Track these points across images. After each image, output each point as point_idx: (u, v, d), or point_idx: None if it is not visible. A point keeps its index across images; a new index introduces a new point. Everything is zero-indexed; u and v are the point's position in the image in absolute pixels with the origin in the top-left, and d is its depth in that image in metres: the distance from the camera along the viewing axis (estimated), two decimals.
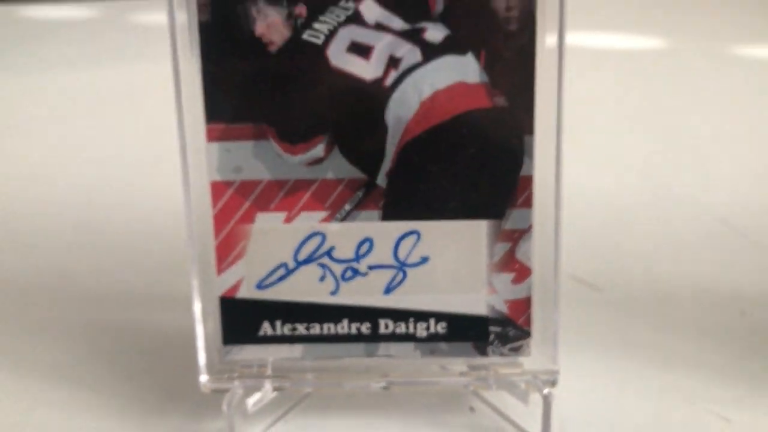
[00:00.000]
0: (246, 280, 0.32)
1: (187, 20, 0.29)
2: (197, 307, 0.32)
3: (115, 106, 0.68)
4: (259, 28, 0.29)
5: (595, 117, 0.61)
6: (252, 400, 0.33)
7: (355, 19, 0.29)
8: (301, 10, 0.29)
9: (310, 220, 0.31)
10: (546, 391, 0.32)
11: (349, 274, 0.32)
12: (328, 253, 0.31)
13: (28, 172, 0.58)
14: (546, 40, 0.29)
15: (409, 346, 0.32)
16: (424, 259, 0.31)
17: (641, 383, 0.35)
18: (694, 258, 0.43)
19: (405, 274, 0.32)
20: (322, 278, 0.32)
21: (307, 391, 0.34)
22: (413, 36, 0.30)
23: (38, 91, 0.73)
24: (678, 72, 0.69)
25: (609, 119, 0.61)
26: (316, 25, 0.29)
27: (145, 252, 0.46)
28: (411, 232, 0.31)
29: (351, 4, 0.29)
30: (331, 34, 0.30)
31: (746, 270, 0.42)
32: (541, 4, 0.29)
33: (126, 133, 0.63)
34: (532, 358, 0.32)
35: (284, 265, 0.32)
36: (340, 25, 0.29)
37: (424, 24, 0.29)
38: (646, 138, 0.57)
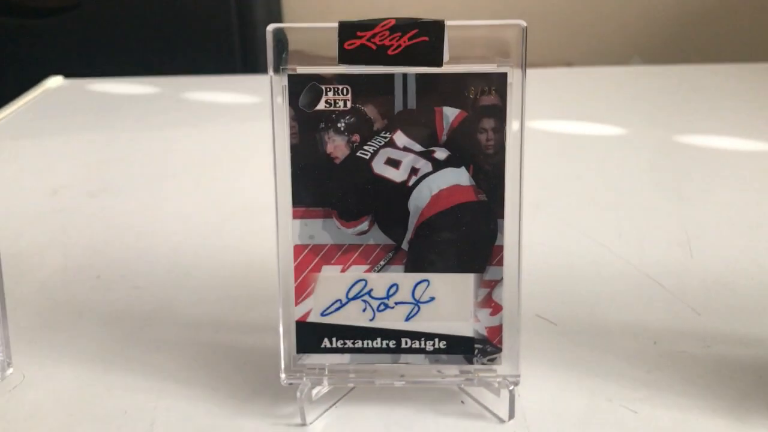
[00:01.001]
0: (314, 310, 0.48)
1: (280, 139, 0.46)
2: (282, 328, 0.48)
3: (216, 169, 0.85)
4: (329, 148, 0.46)
5: (562, 192, 0.78)
6: (315, 392, 0.49)
7: (390, 144, 0.46)
8: (356, 137, 0.46)
9: (358, 271, 0.47)
10: (511, 388, 0.48)
11: (382, 307, 0.48)
12: (369, 293, 0.48)
13: (142, 226, 0.74)
14: (513, 157, 0.46)
15: (421, 357, 0.48)
16: (432, 298, 0.48)
17: (578, 387, 0.51)
18: (624, 302, 0.59)
19: (419, 308, 0.48)
20: (364, 310, 0.48)
21: (351, 386, 0.50)
22: (427, 155, 0.46)
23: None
24: (629, 155, 0.86)
25: (573, 194, 0.77)
26: (365, 147, 0.46)
27: (218, 290, 0.62)
28: (423, 280, 0.47)
29: (387, 135, 0.46)
30: (374, 153, 0.46)
31: (660, 311, 0.58)
32: (510, 138, 0.46)
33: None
34: (503, 366, 0.48)
35: (339, 300, 0.48)
36: (381, 147, 0.46)
37: (434, 148, 0.46)
38: (600, 210, 0.74)
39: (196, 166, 0.89)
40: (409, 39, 0.44)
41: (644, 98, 1.05)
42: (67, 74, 1.15)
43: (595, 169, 0.84)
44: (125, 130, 1.00)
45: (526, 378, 0.51)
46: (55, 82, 1.13)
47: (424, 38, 0.44)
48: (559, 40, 1.50)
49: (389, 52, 0.44)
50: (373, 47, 0.44)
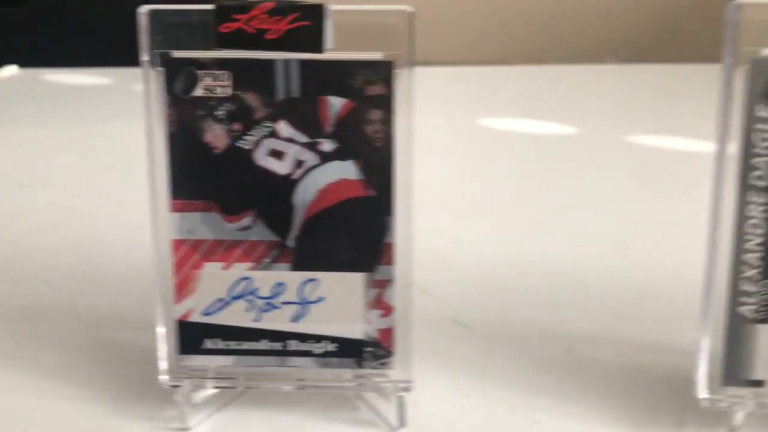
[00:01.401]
0: (195, 309, 0.45)
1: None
2: (160, 327, 0.46)
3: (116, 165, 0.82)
4: (208, 138, 0.44)
5: (503, 192, 0.75)
6: (199, 395, 0.47)
7: (273, 134, 0.44)
8: (237, 126, 0.43)
9: (241, 269, 0.45)
10: (401, 394, 0.45)
11: (267, 307, 0.45)
12: (253, 292, 0.45)
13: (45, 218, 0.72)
14: (403, 151, 0.43)
15: (309, 360, 0.46)
16: (320, 299, 0.45)
17: (480, 394, 0.48)
18: (545, 306, 0.57)
19: (307, 309, 0.45)
20: (248, 309, 0.45)
21: (240, 390, 0.48)
22: (312, 147, 0.44)
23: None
24: (581, 155, 0.83)
25: (515, 194, 0.75)
26: (246, 137, 0.43)
27: (124, 286, 0.60)
28: (311, 279, 0.45)
29: (270, 125, 0.43)
30: (256, 143, 0.44)
31: (581, 317, 0.55)
32: (400, 131, 0.43)
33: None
34: (395, 371, 0.46)
35: (221, 299, 0.45)
36: (263, 137, 0.44)
37: (319, 139, 0.43)
38: (538, 210, 0.71)
39: (136, 158, 0.86)
40: (289, 23, 0.42)
41: (608, 97, 1.02)
42: (23, 64, 1.12)
43: (542, 168, 0.81)
44: (75, 121, 0.98)
45: (429, 383, 0.49)
46: (9, 71, 1.11)
47: (305, 23, 0.42)
48: (531, 37, 1.47)
49: (267, 36, 0.42)
50: (251, 31, 0.42)
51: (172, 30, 0.43)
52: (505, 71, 1.12)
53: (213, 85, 0.43)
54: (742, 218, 0.41)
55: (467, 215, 0.70)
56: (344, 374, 0.46)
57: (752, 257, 0.42)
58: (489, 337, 0.54)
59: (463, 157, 0.82)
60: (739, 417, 0.43)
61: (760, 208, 0.41)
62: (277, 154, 0.44)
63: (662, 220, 0.69)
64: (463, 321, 0.55)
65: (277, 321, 0.45)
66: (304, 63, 0.43)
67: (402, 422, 0.46)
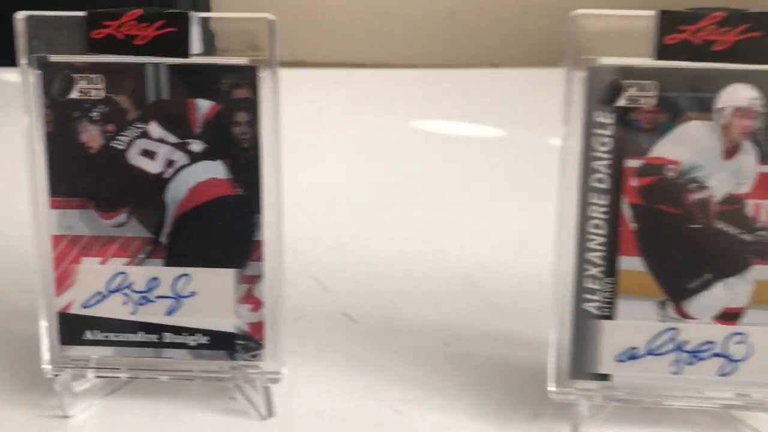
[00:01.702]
0: (75, 301, 0.47)
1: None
2: (42, 319, 0.48)
3: None
4: (84, 138, 0.46)
5: (418, 193, 0.77)
6: (80, 384, 0.49)
7: (145, 135, 0.46)
8: (111, 127, 0.45)
9: (117, 264, 0.47)
10: (269, 385, 0.47)
11: (143, 301, 0.47)
12: (129, 286, 0.47)
13: None
14: (270, 152, 0.45)
15: (183, 352, 0.48)
16: (193, 293, 0.47)
17: (354, 386, 0.50)
18: (434, 302, 0.59)
19: (180, 303, 0.47)
20: (125, 303, 0.47)
21: (123, 380, 0.50)
22: (182, 147, 0.46)
23: None
24: (504, 157, 0.85)
25: (429, 195, 0.77)
26: (119, 138, 0.46)
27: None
28: (184, 275, 0.47)
29: (142, 126, 0.45)
30: (129, 143, 0.46)
31: (467, 313, 0.58)
32: (266, 132, 0.45)
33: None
34: (266, 363, 0.48)
35: (100, 292, 0.47)
36: (135, 138, 0.46)
37: (189, 140, 0.46)
38: (447, 210, 0.73)
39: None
40: (156, 29, 0.44)
41: (550, 101, 1.04)
42: None
43: (462, 170, 0.83)
44: None
45: (308, 375, 0.51)
46: None
47: (172, 29, 0.44)
48: (487, 41, 1.49)
49: (136, 42, 0.44)
50: (121, 37, 0.44)
51: (48, 35, 0.45)
52: (455, 74, 1.15)
53: (87, 87, 0.45)
54: (584, 219, 0.44)
55: (377, 215, 0.72)
56: (218, 366, 0.48)
57: (595, 256, 0.44)
58: (374, 332, 0.56)
59: (385, 159, 0.84)
60: (585, 409, 0.45)
61: (601, 210, 0.43)
62: (149, 154, 0.46)
63: None
64: (352, 316, 0.57)
65: (153, 314, 0.47)
66: (172, 67, 0.45)
67: (270, 412, 0.48)
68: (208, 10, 1.96)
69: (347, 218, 0.71)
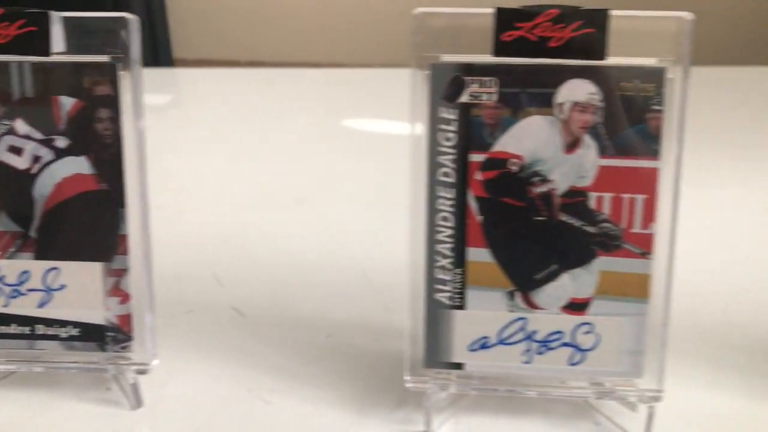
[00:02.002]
0: None
1: None
2: None
3: None
4: None
5: (334, 189, 0.78)
6: None
7: (11, 131, 0.47)
8: None
9: None
10: (133, 377, 0.48)
11: (14, 294, 0.48)
12: (1, 280, 0.48)
13: None
14: (133, 148, 0.46)
15: (55, 344, 0.49)
16: (63, 286, 0.48)
17: (228, 377, 0.51)
18: (325, 296, 0.60)
19: (51, 296, 0.48)
20: None
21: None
22: (48, 143, 0.47)
23: None
24: None
25: (346, 192, 0.78)
26: None
27: None
28: (53, 268, 0.48)
29: (8, 122, 0.47)
30: None
31: (354, 306, 0.59)
32: (128, 129, 0.46)
33: None
34: (136, 354, 0.49)
35: None
36: (2, 134, 0.47)
37: (54, 136, 0.47)
38: (357, 207, 0.74)
39: None
40: (18, 28, 0.45)
41: None
42: None
43: (384, 168, 0.84)
44: None
45: (185, 367, 0.52)
46: None
47: (33, 28, 0.45)
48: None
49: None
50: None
51: None
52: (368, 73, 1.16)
53: None
54: (433, 212, 0.45)
55: (289, 211, 0.73)
56: (90, 357, 0.49)
57: (444, 248, 0.45)
58: (260, 325, 0.57)
59: (311, 156, 0.86)
60: (440, 397, 0.46)
61: (448, 203, 0.44)
62: (16, 150, 0.47)
63: None
64: (242, 310, 0.58)
65: (25, 307, 0.49)
66: (35, 65, 0.46)
67: (138, 403, 0.49)
68: (162, 10, 1.99)
69: (259, 214, 0.73)
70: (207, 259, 0.64)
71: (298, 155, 0.86)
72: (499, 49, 0.42)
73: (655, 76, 0.42)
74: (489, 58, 0.43)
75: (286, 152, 0.87)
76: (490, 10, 0.42)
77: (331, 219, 0.72)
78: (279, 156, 0.86)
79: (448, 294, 0.46)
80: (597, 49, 0.42)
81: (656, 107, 0.43)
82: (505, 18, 0.42)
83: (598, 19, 0.42)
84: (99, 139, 0.47)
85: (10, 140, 0.47)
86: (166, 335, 0.54)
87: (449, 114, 0.44)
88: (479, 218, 0.45)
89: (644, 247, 0.44)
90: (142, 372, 0.49)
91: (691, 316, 0.57)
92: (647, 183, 0.43)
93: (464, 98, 0.43)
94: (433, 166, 0.44)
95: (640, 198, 0.44)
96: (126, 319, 0.48)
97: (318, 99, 0.99)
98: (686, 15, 0.42)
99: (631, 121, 0.43)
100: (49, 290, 0.48)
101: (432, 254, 0.45)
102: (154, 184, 0.48)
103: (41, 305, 0.49)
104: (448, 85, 0.43)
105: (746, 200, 0.79)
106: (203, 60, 2.30)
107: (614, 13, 0.42)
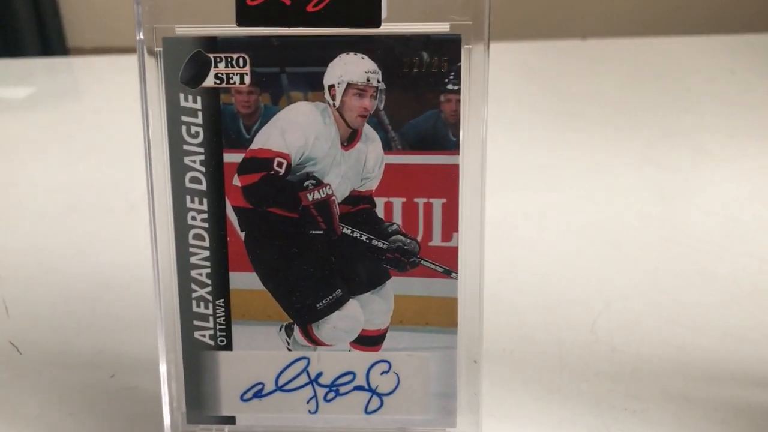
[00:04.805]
0: None
1: None
2: None
3: None
4: None
5: None
6: None
7: None
8: None
9: None
10: None
11: None
12: None
13: None
14: None
15: None
16: None
17: None
18: (115, 327, 0.50)
19: None
20: None
21: None
22: None
23: None
24: None
25: None
26: None
27: None
28: None
29: None
30: None
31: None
32: None
33: None
34: None
35: None
36: None
37: None
38: None
39: None
40: None
41: None
42: None
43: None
44: None
45: None
46: None
47: None
48: None
49: None
50: None
51: None
52: None
53: None
54: (183, 228, 0.35)
55: (119, 218, 0.63)
56: None
57: (200, 274, 0.35)
58: (37, 363, 0.47)
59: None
60: None
61: (201, 216, 0.35)
62: None
63: None
64: (19, 345, 0.48)
65: None
66: None
67: None
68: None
69: (82, 223, 0.62)
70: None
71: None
72: (244, 15, 0.33)
73: (448, 46, 0.33)
74: (237, 30, 0.33)
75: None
76: None
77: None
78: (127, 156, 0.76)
79: (209, 332, 0.36)
80: (369, 13, 0.32)
81: (451, 87, 0.33)
82: None
83: None
84: None
85: None
86: None
87: (192, 102, 0.34)
88: (242, 235, 0.35)
89: (447, 264, 0.35)
90: None
91: (512, 345, 0.46)
92: (446, 183, 0.34)
93: (209, 81, 0.34)
94: (178, 169, 0.35)
95: (438, 202, 0.34)
96: None
97: None
98: None
99: (422, 105, 0.34)
100: None
101: (186, 282, 0.36)
102: None
103: None
104: (186, 65, 0.34)
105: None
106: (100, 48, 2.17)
107: None
